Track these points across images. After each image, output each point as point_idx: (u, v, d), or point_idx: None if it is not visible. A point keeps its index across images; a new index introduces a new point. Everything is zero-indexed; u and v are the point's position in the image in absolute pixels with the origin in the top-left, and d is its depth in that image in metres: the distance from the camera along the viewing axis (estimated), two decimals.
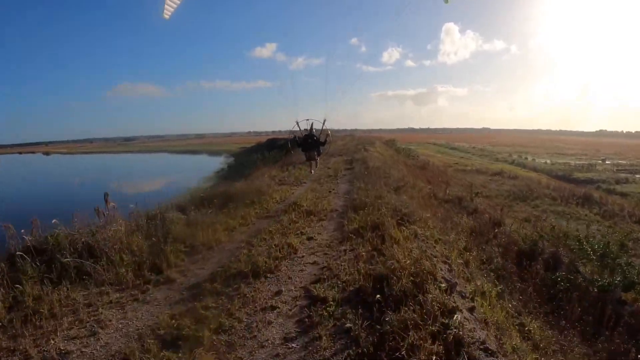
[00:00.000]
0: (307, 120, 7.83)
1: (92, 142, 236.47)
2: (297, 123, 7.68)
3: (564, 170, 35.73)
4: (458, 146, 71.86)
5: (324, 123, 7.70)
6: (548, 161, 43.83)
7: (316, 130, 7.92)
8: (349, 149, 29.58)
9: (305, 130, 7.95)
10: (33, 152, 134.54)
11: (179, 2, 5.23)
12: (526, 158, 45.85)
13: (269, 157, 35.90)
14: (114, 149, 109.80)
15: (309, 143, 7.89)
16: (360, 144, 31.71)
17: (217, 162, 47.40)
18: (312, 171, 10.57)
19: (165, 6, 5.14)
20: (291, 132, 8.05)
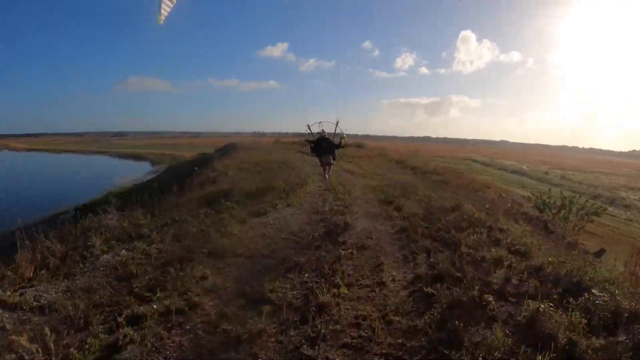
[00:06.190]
0: (320, 123, 7.43)
1: (82, 136, 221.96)
2: (309, 127, 7.30)
3: None
4: (518, 167, 51.50)
5: (337, 125, 7.28)
6: None
7: (329, 133, 7.42)
8: None
9: (318, 133, 7.52)
10: None
11: (172, 6, 5.40)
12: None
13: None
14: (73, 147, 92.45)
15: (323, 147, 7.50)
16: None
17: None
18: (327, 176, 9.25)
19: (161, 11, 5.30)
20: (306, 139, 7.53)
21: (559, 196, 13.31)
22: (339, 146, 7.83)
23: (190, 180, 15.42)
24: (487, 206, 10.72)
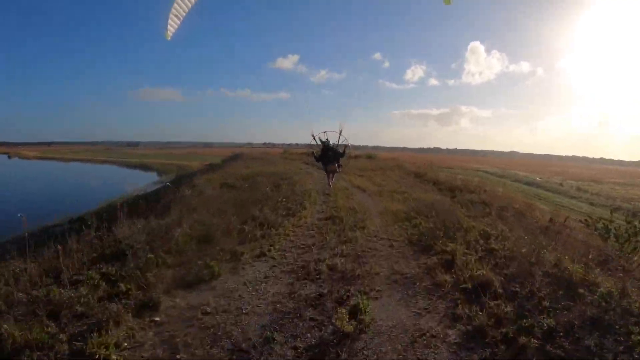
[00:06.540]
0: (325, 132, 7.66)
1: (95, 145, 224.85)
2: (314, 137, 7.54)
3: None
4: (531, 179, 46.69)
5: (340, 133, 7.49)
6: None
7: (333, 144, 7.72)
8: None
9: (323, 143, 7.71)
10: (6, 153, 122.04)
11: (179, 22, 5.61)
12: None
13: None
14: (83, 156, 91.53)
15: (328, 156, 7.72)
16: None
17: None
18: (330, 183, 9.31)
19: (168, 27, 5.51)
20: (311, 147, 7.86)
21: (625, 220, 9.50)
22: (343, 154, 7.86)
23: (155, 202, 11.66)
24: (590, 256, 6.56)
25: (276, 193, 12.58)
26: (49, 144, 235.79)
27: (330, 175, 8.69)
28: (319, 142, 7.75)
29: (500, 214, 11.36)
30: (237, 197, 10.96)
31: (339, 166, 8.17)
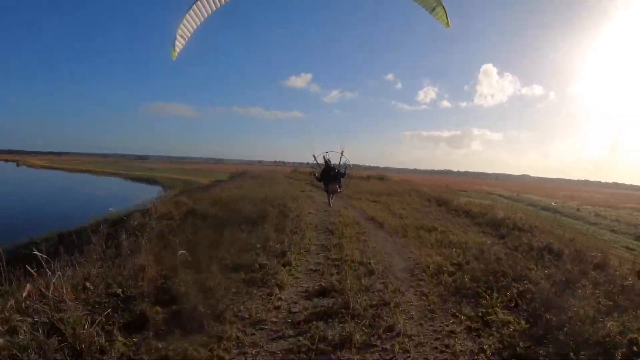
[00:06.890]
0: (327, 152, 7.86)
1: (105, 157, 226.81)
2: (315, 157, 7.76)
3: None
4: (547, 203, 42.62)
5: (341, 154, 7.71)
6: None
7: (335, 164, 7.89)
8: None
9: (324, 163, 7.91)
10: (15, 161, 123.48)
11: (184, 42, 5.77)
12: None
13: None
14: (90, 167, 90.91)
15: (331, 175, 7.86)
16: None
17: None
18: (331, 203, 9.33)
19: (175, 47, 5.64)
20: (312, 167, 8.06)
21: None
22: (344, 174, 7.81)
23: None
24: None
25: (256, 230, 8.68)
26: (59, 154, 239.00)
27: (331, 195, 8.69)
28: (322, 161, 7.67)
29: (580, 268, 7.27)
30: (186, 240, 7.08)
31: (340, 186, 8.15)
